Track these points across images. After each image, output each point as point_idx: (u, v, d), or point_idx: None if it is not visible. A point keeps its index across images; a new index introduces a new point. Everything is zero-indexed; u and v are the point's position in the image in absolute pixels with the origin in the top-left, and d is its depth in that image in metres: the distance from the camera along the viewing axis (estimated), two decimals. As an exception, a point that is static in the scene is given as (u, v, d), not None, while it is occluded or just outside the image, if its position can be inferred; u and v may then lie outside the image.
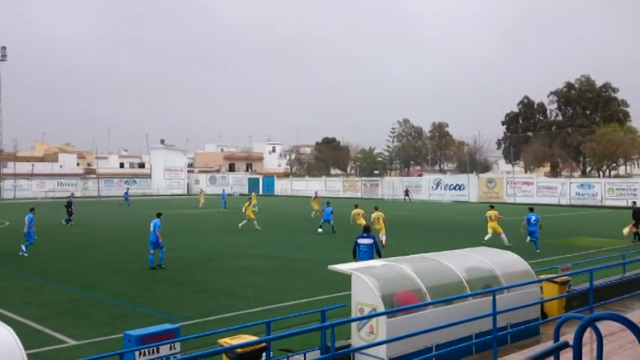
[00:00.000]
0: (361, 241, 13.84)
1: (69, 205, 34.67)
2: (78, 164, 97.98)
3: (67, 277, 16.57)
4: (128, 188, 67.64)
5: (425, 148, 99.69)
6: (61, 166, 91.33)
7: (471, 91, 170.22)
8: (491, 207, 24.66)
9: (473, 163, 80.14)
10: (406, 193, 66.33)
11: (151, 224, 18.36)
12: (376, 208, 24.62)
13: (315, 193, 47.39)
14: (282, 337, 7.24)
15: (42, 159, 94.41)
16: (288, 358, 7.95)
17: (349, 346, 8.09)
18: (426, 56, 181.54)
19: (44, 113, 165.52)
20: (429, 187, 67.91)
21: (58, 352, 9.54)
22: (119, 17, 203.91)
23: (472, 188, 63.60)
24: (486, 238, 22.75)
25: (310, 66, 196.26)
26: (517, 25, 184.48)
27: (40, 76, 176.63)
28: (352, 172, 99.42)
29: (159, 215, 18.84)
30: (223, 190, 58.86)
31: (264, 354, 6.79)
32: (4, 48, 75.12)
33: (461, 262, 9.70)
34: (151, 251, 18.05)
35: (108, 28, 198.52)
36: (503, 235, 22.70)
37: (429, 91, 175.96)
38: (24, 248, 20.76)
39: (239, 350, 6.37)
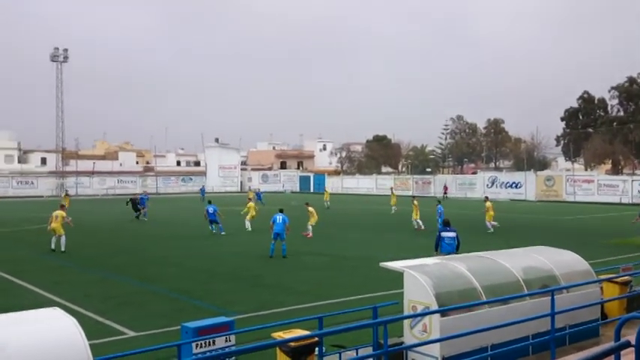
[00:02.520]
0: (445, 234, 14.30)
1: (134, 201, 36.26)
2: (137, 162, 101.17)
3: (128, 270, 17.19)
4: (204, 185, 69.42)
5: (479, 145, 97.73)
6: (121, 164, 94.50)
7: (528, 86, 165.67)
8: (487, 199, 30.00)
9: (530, 160, 77.95)
10: (445, 190, 65.11)
11: (277, 217, 19.60)
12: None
13: (392, 189, 49.05)
14: (335, 332, 7.30)
15: (103, 157, 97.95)
16: (340, 353, 7.99)
17: (402, 343, 8.06)
18: (479, 51, 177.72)
19: (105, 113, 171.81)
20: (484, 184, 66.53)
21: (117, 342, 9.88)
22: (176, 21, 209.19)
23: (529, 186, 61.95)
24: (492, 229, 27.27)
25: (359, 64, 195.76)
26: (574, 17, 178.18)
27: (100, 77, 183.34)
28: (404, 169, 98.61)
29: (282, 210, 20.22)
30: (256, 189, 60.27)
31: (316, 349, 6.85)
32: (65, 50, 78.21)
33: (517, 262, 9.48)
34: (272, 241, 19.40)
35: (166, 31, 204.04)
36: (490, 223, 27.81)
37: (484, 87, 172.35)
38: None
39: (292, 344, 6.46)
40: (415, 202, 30.34)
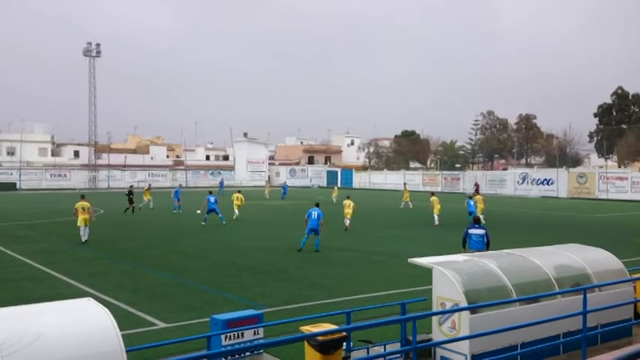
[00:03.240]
0: (473, 231, 14.11)
1: (130, 193, 35.68)
2: (167, 156, 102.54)
3: (158, 263, 17.45)
4: (222, 179, 71.09)
5: (510, 140, 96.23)
6: (151, 158, 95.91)
7: (560, 82, 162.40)
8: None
9: (562, 156, 76.58)
10: (476, 187, 63.98)
11: (313, 213, 19.77)
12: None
13: (405, 184, 49.05)
14: (363, 327, 7.29)
15: (134, 151, 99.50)
16: (368, 348, 7.99)
17: (430, 340, 8.02)
18: (510, 45, 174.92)
19: (136, 108, 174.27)
20: (515, 181, 65.59)
21: (148, 333, 10.03)
22: (207, 16, 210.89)
23: (561, 183, 60.85)
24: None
25: (388, 59, 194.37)
26: (609, 11, 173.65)
27: (132, 72, 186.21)
28: (432, 165, 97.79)
29: (317, 205, 20.56)
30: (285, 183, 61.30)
31: (344, 343, 6.87)
32: (98, 45, 79.67)
33: (549, 259, 9.34)
34: (306, 235, 19.66)
35: (198, 26, 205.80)
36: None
37: (515, 82, 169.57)
38: None
39: (320, 338, 6.48)
40: (434, 197, 30.19)
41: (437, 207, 29.44)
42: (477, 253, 11.24)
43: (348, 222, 26.56)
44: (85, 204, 22.07)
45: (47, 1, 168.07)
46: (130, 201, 35.11)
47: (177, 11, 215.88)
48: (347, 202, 27.23)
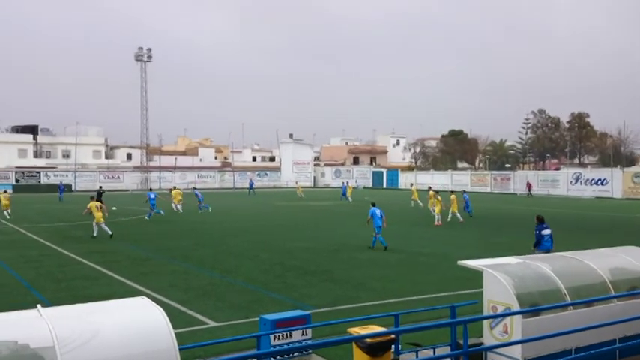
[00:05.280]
0: (544, 232, 14.54)
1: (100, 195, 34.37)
2: (215, 158, 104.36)
3: (208, 262, 17.77)
4: (251, 179, 73.19)
5: (562, 139, 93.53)
6: (200, 160, 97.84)
7: (614, 79, 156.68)
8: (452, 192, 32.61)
9: (617, 156, 73.86)
10: (529, 187, 62.49)
11: (376, 212, 20.38)
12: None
13: (412, 184, 51.19)
14: (412, 330, 7.24)
15: (184, 153, 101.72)
16: (417, 351, 7.91)
17: (481, 344, 7.88)
18: (562, 44, 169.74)
19: (186, 111, 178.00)
20: (567, 181, 63.65)
21: (199, 332, 10.21)
22: (251, 19, 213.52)
23: (616, 183, 58.70)
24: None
25: (433, 57, 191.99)
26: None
27: (181, 76, 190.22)
28: (481, 165, 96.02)
29: (374, 204, 21.15)
30: (343, 182, 60.97)
31: (393, 346, 6.82)
32: (149, 50, 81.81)
33: (604, 262, 9.03)
34: (375, 234, 20.30)
35: (242, 30, 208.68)
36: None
37: (567, 80, 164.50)
38: None
39: (369, 340, 6.46)
40: (438, 197, 30.81)
41: (438, 207, 30.02)
42: (531, 255, 10.98)
43: (450, 216, 29.80)
44: (99, 204, 24.69)
45: (102, 10, 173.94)
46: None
47: (225, 16, 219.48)
48: (453, 197, 30.15)
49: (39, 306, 4.78)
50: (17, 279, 15.19)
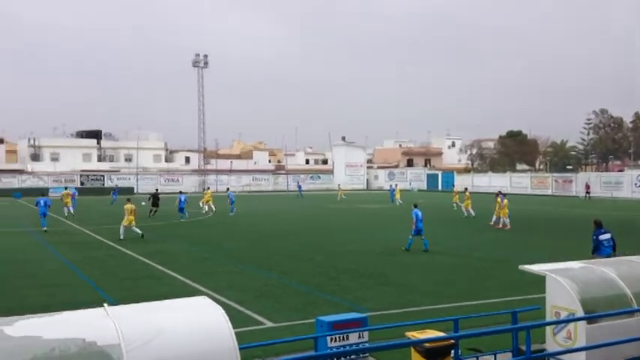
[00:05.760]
0: (603, 237, 13.86)
1: (155, 197, 37.51)
2: (269, 161, 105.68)
3: (264, 264, 17.99)
4: (299, 182, 74.93)
5: (626, 140, 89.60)
6: (255, 163, 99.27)
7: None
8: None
9: (687, 156, 70.12)
10: (586, 189, 59.76)
11: (418, 214, 20.39)
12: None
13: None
14: (472, 335, 7.09)
15: (239, 156, 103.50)
16: (477, 357, 7.75)
17: (544, 350, 7.65)
18: (622, 40, 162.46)
19: (240, 115, 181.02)
20: (632, 183, 60.90)
21: (257, 332, 10.34)
22: (303, 23, 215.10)
23: (686, 185, 55.80)
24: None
25: (488, 57, 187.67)
26: None
27: (235, 81, 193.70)
28: (541, 167, 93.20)
29: (416, 205, 21.19)
30: (391, 185, 59.63)
31: (452, 351, 6.70)
32: (206, 56, 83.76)
33: (676, 268, 8.58)
34: (412, 237, 20.30)
35: (292, 36, 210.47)
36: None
37: (630, 78, 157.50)
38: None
39: (427, 345, 6.37)
40: (467, 193, 35.48)
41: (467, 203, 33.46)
42: (594, 260, 10.57)
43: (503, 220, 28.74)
44: (132, 206, 24.77)
45: (159, 19, 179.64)
46: (155, 204, 36.85)
47: (278, 20, 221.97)
48: (505, 201, 29.40)
49: (105, 305, 4.93)
50: (83, 279, 15.82)
